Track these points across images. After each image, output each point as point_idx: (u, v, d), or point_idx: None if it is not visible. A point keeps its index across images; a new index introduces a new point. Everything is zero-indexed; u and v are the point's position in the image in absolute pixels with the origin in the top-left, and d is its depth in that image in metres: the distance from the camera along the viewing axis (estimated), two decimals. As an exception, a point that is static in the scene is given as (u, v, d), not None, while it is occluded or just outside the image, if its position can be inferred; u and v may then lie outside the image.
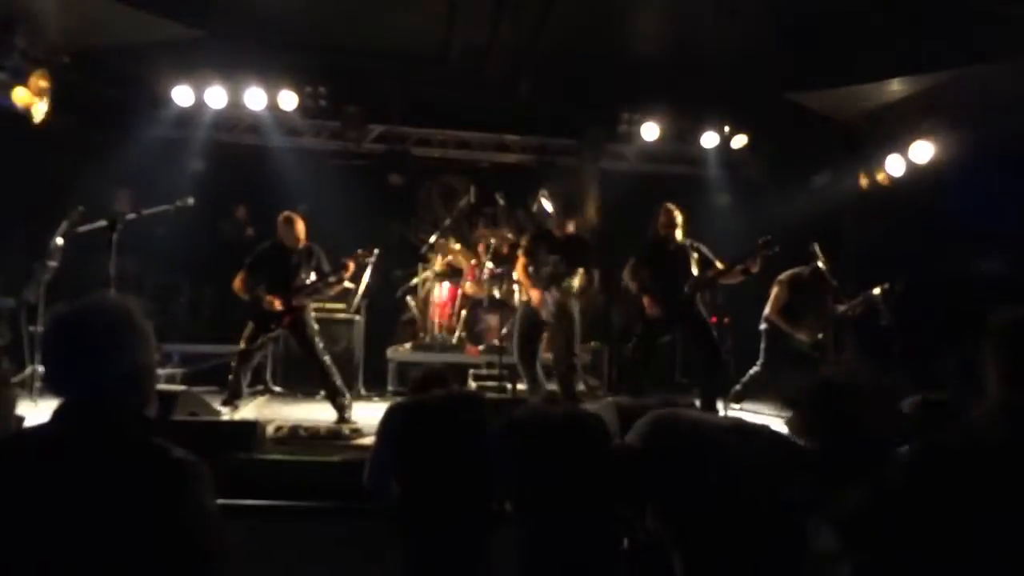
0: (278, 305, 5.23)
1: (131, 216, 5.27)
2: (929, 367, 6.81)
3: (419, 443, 2.96)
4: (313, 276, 5.43)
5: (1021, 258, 7.04)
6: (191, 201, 5.45)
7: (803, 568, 2.56)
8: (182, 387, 4.83)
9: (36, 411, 4.79)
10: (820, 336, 6.37)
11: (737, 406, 6.44)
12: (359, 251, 5.66)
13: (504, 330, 6.85)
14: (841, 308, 6.33)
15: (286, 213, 5.47)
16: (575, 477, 2.80)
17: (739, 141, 8.44)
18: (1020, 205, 6.94)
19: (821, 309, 6.39)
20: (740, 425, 2.83)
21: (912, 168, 7.27)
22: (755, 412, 6.26)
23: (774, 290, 6.45)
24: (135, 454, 1.47)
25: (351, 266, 5.50)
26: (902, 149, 7.29)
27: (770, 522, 2.53)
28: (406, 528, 2.91)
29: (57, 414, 1.52)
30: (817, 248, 6.23)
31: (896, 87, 6.75)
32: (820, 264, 6.17)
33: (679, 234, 5.83)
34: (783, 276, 6.40)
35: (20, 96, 5.81)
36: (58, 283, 5.71)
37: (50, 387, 1.56)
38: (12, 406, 2.67)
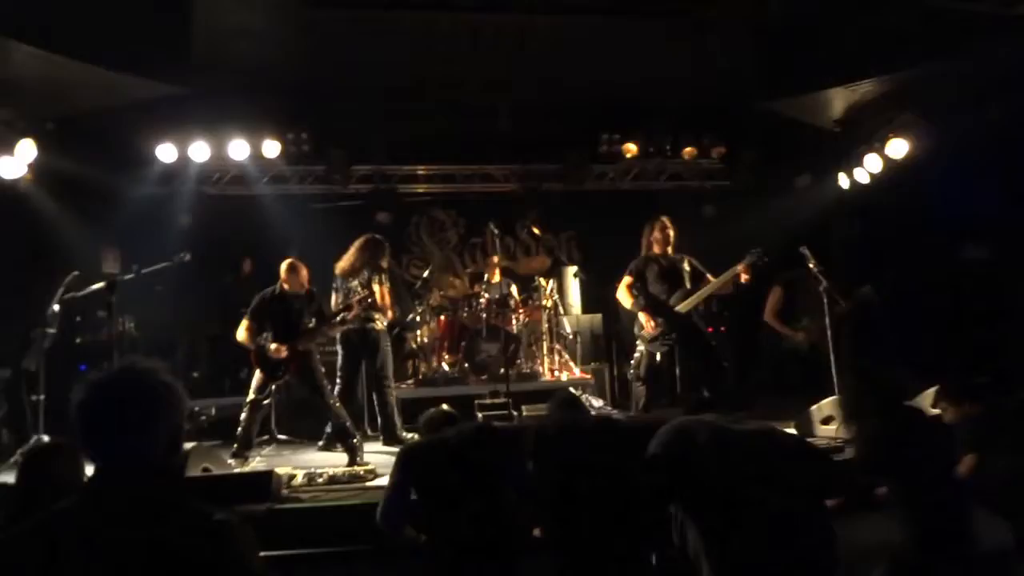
0: (284, 352, 5.22)
1: (129, 276, 5.26)
2: (923, 360, 6.90)
3: (440, 480, 2.97)
4: (315, 320, 5.43)
5: (1003, 245, 7.18)
6: (187, 256, 5.45)
7: (833, 568, 2.59)
8: (191, 443, 4.78)
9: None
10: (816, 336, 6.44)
11: (741, 413, 6.46)
12: (361, 292, 5.68)
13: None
14: (836, 308, 6.40)
15: (290, 260, 5.49)
16: (607, 489, 2.81)
17: (718, 152, 8.59)
18: (996, 192, 7.11)
19: (816, 310, 6.45)
20: (767, 430, 2.85)
21: (890, 165, 7.42)
22: (760, 418, 6.29)
23: (770, 294, 6.53)
24: (179, 522, 1.48)
25: (355, 307, 5.50)
26: (878, 147, 7.44)
27: (798, 524, 2.55)
28: (436, 567, 2.91)
29: (99, 481, 1.53)
30: (807, 251, 6.30)
31: (867, 87, 6.92)
32: (812, 266, 6.25)
33: (672, 248, 5.90)
34: (778, 280, 6.47)
35: (7, 165, 5.83)
36: (56, 349, 5.66)
37: (91, 455, 1.56)
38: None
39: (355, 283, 5.93)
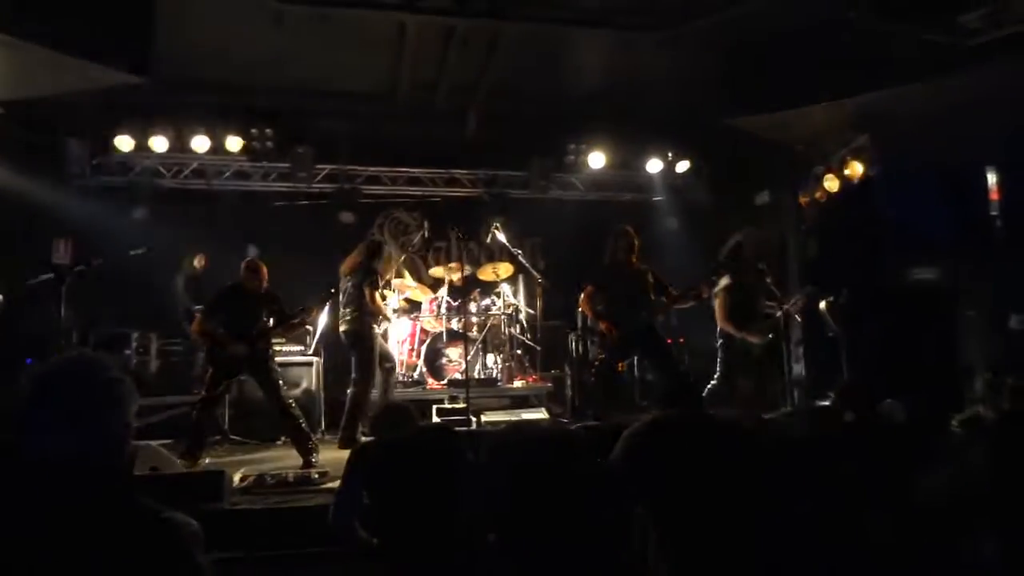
0: (242, 351, 5.12)
1: (80, 268, 5.09)
2: (877, 375, 7.07)
3: (394, 482, 2.92)
4: (273, 320, 5.35)
5: (952, 265, 7.42)
6: (144, 250, 5.32)
7: (783, 563, 2.63)
8: (140, 442, 4.63)
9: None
10: (771, 336, 6.49)
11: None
12: (322, 294, 5.64)
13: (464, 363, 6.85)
14: (784, 306, 6.45)
15: (250, 259, 5.47)
16: (562, 497, 2.81)
17: (682, 166, 8.73)
18: (948, 214, 7.36)
19: (763, 309, 6.54)
20: (733, 424, 2.87)
21: (847, 185, 7.62)
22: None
23: (716, 301, 6.58)
24: (125, 520, 1.43)
25: (315, 310, 5.45)
26: (837, 167, 7.65)
27: (753, 519, 2.59)
28: (387, 567, 2.86)
29: (40, 478, 1.45)
30: (764, 266, 6.42)
31: (828, 109, 7.09)
32: (768, 281, 6.35)
33: (635, 258, 5.95)
34: (721, 286, 6.44)
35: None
36: (1, 338, 5.46)
37: (30, 450, 1.49)
38: None
39: (350, 283, 6.06)
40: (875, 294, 7.58)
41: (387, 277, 6.33)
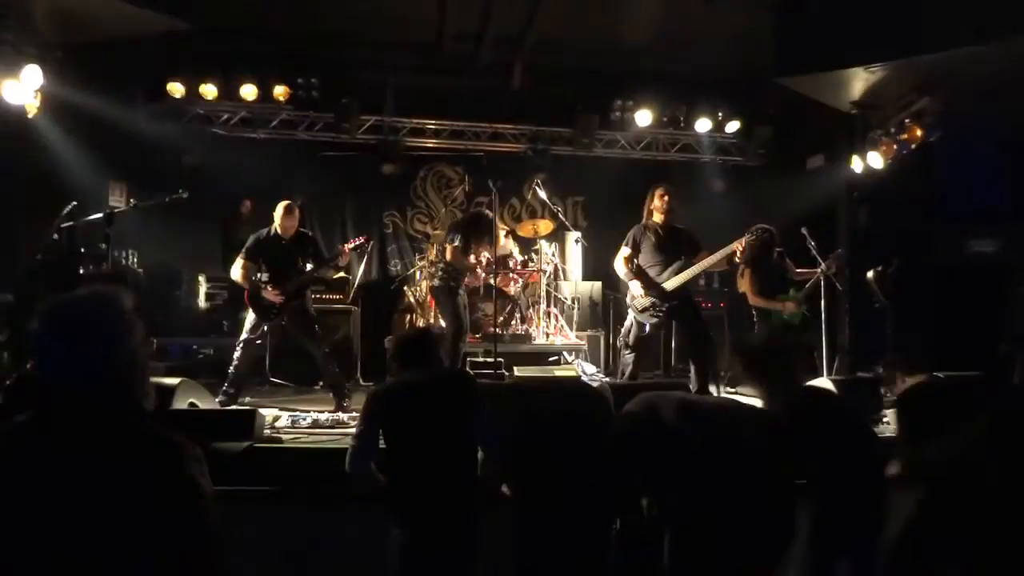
0: (278, 294, 5.27)
1: (125, 208, 5.28)
2: (924, 347, 6.88)
3: (409, 426, 2.95)
4: (311, 265, 5.47)
5: (1013, 238, 7.09)
6: (185, 194, 5.46)
7: (788, 541, 2.63)
8: (181, 378, 4.84)
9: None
10: (805, 308, 6.33)
11: (732, 389, 6.47)
12: (355, 238, 5.72)
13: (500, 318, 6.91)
14: (818, 270, 6.26)
15: (286, 202, 5.50)
16: (577, 453, 2.84)
17: (732, 126, 8.48)
18: (1010, 185, 7.00)
19: (795, 277, 6.37)
20: (730, 404, 2.87)
21: (904, 151, 7.29)
22: (750, 395, 6.28)
23: (743, 279, 6.42)
24: (127, 438, 1.51)
25: (347, 251, 5.53)
26: (894, 132, 7.31)
27: (757, 497, 2.58)
28: (399, 510, 2.93)
29: (45, 402, 1.55)
30: (806, 231, 6.25)
31: (887, 70, 6.76)
32: (811, 248, 6.18)
33: (671, 219, 5.85)
34: (740, 263, 6.23)
35: (13, 91, 5.81)
36: (56, 277, 5.73)
37: (41, 376, 1.60)
38: None
39: (443, 241, 6.48)
40: (927, 266, 7.32)
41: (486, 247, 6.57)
